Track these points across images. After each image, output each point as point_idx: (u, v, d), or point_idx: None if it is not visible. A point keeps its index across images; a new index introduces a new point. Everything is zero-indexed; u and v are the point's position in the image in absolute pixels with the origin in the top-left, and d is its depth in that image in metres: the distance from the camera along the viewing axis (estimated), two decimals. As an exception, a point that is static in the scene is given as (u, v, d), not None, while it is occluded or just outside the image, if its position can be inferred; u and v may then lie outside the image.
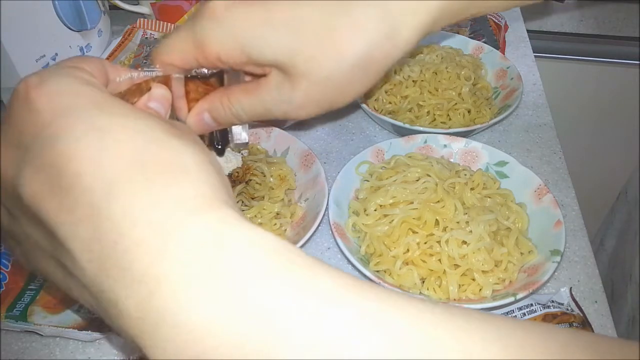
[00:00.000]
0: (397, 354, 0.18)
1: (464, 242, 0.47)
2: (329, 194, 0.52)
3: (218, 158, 0.53)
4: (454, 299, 0.46)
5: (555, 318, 0.45)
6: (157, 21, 0.80)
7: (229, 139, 0.40)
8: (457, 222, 0.48)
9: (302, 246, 0.49)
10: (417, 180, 0.52)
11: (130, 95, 0.31)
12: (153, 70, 0.34)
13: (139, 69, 0.34)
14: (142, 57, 0.74)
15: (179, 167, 0.21)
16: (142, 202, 0.20)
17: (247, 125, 0.39)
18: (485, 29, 0.79)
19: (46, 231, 0.22)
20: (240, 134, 0.39)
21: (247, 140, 0.40)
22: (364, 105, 0.63)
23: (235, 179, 0.53)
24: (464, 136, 0.60)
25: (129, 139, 0.21)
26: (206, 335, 0.18)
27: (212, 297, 0.18)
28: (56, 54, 0.69)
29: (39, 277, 0.48)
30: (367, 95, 0.69)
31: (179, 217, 0.20)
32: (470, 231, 0.47)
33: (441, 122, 0.64)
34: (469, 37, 0.76)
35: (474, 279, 0.47)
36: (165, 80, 0.33)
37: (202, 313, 0.18)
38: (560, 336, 0.20)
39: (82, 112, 0.22)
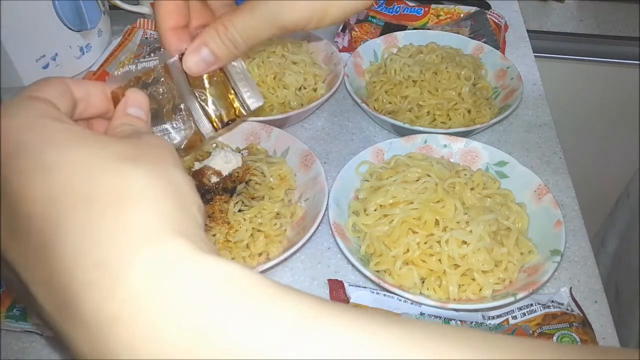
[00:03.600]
0: None
1: (464, 242, 0.47)
2: (329, 194, 0.52)
3: (217, 159, 0.53)
4: (454, 299, 0.46)
5: (555, 318, 0.45)
6: (157, 21, 0.80)
7: (241, 100, 0.39)
8: (457, 222, 0.48)
9: (302, 246, 0.49)
10: (417, 180, 0.52)
11: (135, 81, 0.32)
12: (150, 60, 0.34)
13: (137, 60, 0.34)
14: (142, 57, 0.74)
15: (128, 196, 0.21)
16: (89, 239, 0.19)
17: (253, 84, 0.39)
18: (485, 29, 0.79)
19: (17, 275, 0.22)
20: (248, 91, 0.39)
21: (259, 99, 0.39)
22: (364, 105, 0.63)
23: (235, 179, 0.53)
24: (464, 136, 0.60)
25: (76, 173, 0.21)
26: None
27: (163, 336, 0.18)
28: (56, 54, 0.69)
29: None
30: (367, 95, 0.69)
31: (127, 254, 0.19)
32: (470, 231, 0.47)
33: (441, 122, 0.64)
34: (469, 37, 0.76)
35: (474, 279, 0.47)
36: (166, 69, 0.34)
37: (154, 354, 0.18)
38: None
39: (31, 150, 0.22)
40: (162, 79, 0.35)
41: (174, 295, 0.18)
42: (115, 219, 0.20)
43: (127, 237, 0.20)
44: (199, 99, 0.37)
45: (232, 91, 0.38)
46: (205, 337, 0.18)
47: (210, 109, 0.38)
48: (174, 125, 0.36)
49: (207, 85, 0.37)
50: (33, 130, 0.22)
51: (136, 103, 0.31)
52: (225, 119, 0.39)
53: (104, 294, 0.19)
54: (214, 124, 0.38)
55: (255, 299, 0.19)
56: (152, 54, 0.36)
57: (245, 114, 0.39)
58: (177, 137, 0.36)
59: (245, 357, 0.18)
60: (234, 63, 0.38)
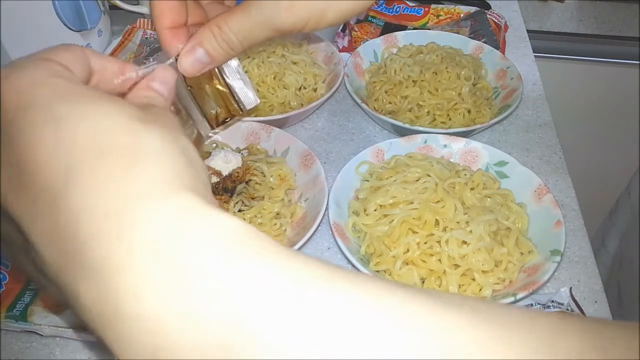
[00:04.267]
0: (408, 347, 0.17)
1: (464, 242, 0.47)
2: (329, 194, 0.52)
3: (217, 159, 0.53)
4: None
5: (555, 318, 0.45)
6: (157, 21, 0.80)
7: (237, 99, 0.39)
8: (457, 222, 0.48)
9: (302, 246, 0.49)
10: (417, 180, 0.52)
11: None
12: (150, 65, 0.34)
13: (137, 63, 0.34)
14: (142, 57, 0.74)
15: (139, 151, 0.21)
16: (99, 191, 0.19)
17: (249, 83, 0.39)
18: (485, 29, 0.79)
19: (17, 228, 0.22)
20: (244, 91, 0.39)
21: (255, 99, 0.39)
22: (364, 105, 0.63)
23: (235, 179, 0.53)
24: (464, 136, 0.60)
25: (87, 126, 0.21)
26: (163, 329, 0.17)
27: (170, 288, 0.18)
28: (56, 54, 0.69)
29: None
30: (367, 95, 0.69)
31: (136, 205, 0.19)
32: (470, 231, 0.47)
33: (441, 122, 0.64)
34: (469, 37, 0.76)
35: (474, 279, 0.47)
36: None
37: (159, 305, 0.18)
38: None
39: (42, 104, 0.21)
40: None
41: (183, 247, 0.18)
42: (126, 170, 0.20)
43: (137, 189, 0.19)
44: (195, 99, 0.37)
45: (228, 90, 0.38)
46: (211, 293, 0.18)
47: (207, 108, 0.38)
48: None
49: (203, 84, 0.37)
50: (45, 87, 0.22)
51: (162, 79, 0.30)
52: (221, 118, 0.38)
53: (111, 243, 0.18)
54: (211, 123, 0.38)
55: (267, 253, 0.19)
56: (151, 58, 0.36)
57: (241, 112, 0.39)
58: None
59: (258, 314, 0.17)
60: (230, 62, 0.38)
